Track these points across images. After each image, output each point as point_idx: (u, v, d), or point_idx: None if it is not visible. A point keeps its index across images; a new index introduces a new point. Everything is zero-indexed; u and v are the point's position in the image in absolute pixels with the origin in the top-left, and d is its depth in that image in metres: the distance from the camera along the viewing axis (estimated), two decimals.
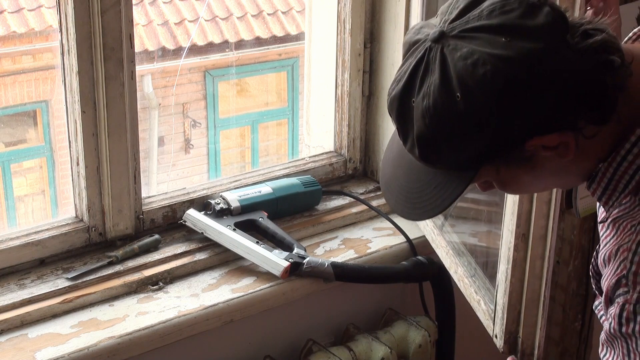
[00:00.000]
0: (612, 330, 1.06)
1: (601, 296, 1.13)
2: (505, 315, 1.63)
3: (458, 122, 1.02)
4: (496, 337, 1.67)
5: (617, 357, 1.07)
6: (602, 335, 1.10)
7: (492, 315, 1.67)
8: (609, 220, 1.12)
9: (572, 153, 1.05)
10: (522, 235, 1.57)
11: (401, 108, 1.07)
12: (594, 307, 1.24)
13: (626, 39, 1.21)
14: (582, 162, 1.10)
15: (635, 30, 1.21)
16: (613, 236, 1.11)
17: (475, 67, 0.99)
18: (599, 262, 1.15)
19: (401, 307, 1.97)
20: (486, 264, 1.81)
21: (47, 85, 3.39)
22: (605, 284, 1.09)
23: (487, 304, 1.71)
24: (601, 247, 1.14)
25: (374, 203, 2.04)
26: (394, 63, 2.02)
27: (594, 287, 1.23)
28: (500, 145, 1.04)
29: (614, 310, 1.06)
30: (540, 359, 1.65)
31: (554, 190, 1.56)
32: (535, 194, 1.55)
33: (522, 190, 1.35)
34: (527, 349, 1.64)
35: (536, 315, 1.62)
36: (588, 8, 1.42)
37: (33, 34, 3.18)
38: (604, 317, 1.13)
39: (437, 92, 1.02)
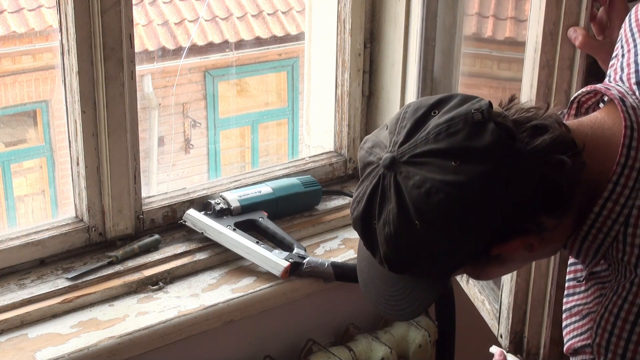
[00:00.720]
0: None
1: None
2: (510, 315, 1.62)
3: (421, 247, 1.05)
4: (501, 336, 1.67)
5: None
6: None
7: (497, 315, 1.67)
8: (585, 272, 1.15)
9: (537, 249, 1.08)
10: None
11: (365, 229, 1.09)
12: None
13: (572, 102, 1.21)
14: (550, 246, 1.13)
15: (582, 91, 1.20)
16: (585, 292, 1.16)
17: (429, 196, 1.01)
18: (563, 307, 1.19)
19: None
20: None
21: (47, 85, 3.39)
22: (569, 337, 1.16)
23: (491, 304, 1.70)
24: (569, 294, 1.19)
25: None
26: (394, 63, 2.02)
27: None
28: (466, 258, 1.07)
29: None
30: (546, 358, 1.64)
31: None
32: None
33: (495, 277, 1.40)
34: (533, 349, 1.64)
35: (542, 314, 1.62)
36: (598, 6, 1.42)
37: (33, 34, 3.18)
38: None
39: (396, 220, 1.04)
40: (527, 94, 1.49)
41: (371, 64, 2.07)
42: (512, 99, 1.09)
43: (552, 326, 1.63)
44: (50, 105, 3.40)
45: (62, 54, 1.66)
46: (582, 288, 1.16)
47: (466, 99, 1.07)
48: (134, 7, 1.69)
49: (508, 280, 1.61)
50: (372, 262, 1.14)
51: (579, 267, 1.19)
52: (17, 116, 3.45)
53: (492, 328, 1.71)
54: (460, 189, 1.01)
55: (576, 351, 1.14)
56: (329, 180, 2.11)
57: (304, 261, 1.78)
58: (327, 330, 1.92)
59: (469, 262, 1.09)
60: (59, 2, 1.62)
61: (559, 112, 1.13)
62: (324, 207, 2.01)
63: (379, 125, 2.09)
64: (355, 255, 1.87)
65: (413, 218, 1.03)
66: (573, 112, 1.21)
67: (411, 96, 1.98)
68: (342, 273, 1.80)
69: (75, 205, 1.77)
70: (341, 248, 1.91)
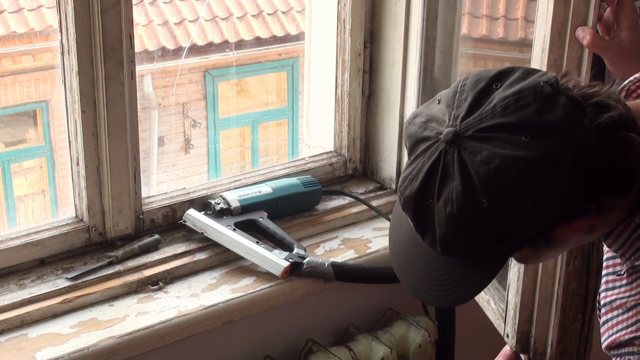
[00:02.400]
0: None
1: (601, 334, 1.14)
2: (517, 315, 1.62)
3: (484, 227, 1.00)
4: (507, 336, 1.66)
5: None
6: None
7: (503, 314, 1.67)
8: (626, 267, 1.11)
9: (596, 230, 1.04)
10: None
11: (418, 208, 1.03)
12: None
13: (621, 90, 1.19)
14: (603, 230, 1.09)
15: (631, 79, 1.18)
16: (627, 285, 1.11)
17: (499, 172, 0.96)
18: (602, 302, 1.15)
19: (401, 307, 1.97)
20: None
21: (47, 85, 3.39)
22: (611, 332, 1.10)
23: (497, 304, 1.70)
24: (608, 288, 1.14)
25: (374, 203, 2.04)
26: (394, 63, 2.02)
27: (598, 317, 1.23)
28: (526, 241, 1.03)
29: None
30: (553, 358, 1.64)
31: None
32: None
33: (541, 261, 1.34)
34: (540, 348, 1.64)
35: (549, 314, 1.62)
36: (605, 6, 1.41)
37: (33, 34, 3.18)
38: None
39: (461, 199, 0.99)
40: None
41: (371, 64, 2.07)
42: (566, 74, 1.05)
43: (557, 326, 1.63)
44: (50, 105, 3.40)
45: (62, 54, 1.66)
46: (624, 282, 1.12)
47: (529, 71, 1.02)
48: (134, 7, 1.69)
49: (515, 280, 1.61)
50: (414, 245, 1.09)
51: (618, 260, 1.15)
52: (17, 116, 3.45)
53: (498, 328, 1.71)
54: (533, 165, 0.96)
55: (621, 345, 1.08)
56: (329, 180, 2.11)
57: (304, 261, 1.78)
58: (327, 330, 1.92)
59: (528, 244, 1.04)
60: (59, 2, 1.62)
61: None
62: (324, 207, 2.01)
63: (379, 125, 2.10)
64: (356, 256, 1.87)
65: (480, 196, 0.97)
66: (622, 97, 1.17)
67: (411, 96, 1.98)
68: (342, 273, 1.80)
69: (75, 205, 1.77)
70: (341, 248, 1.91)
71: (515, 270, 1.61)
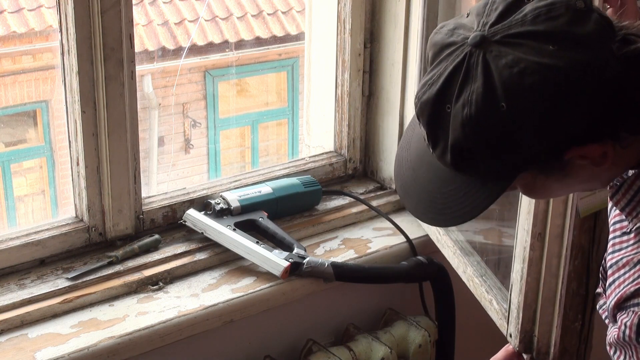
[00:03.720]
0: (626, 338, 1.06)
1: (604, 292, 1.13)
2: (520, 315, 1.62)
3: (501, 132, 0.98)
4: (510, 336, 1.66)
5: (631, 358, 1.07)
6: (611, 339, 1.10)
7: (506, 314, 1.67)
8: (635, 227, 1.10)
9: (608, 162, 1.03)
10: (538, 235, 1.57)
11: (434, 114, 1.02)
12: (597, 307, 1.23)
13: None
14: (613, 170, 1.08)
15: None
16: (634, 244, 1.10)
17: (522, 76, 0.95)
18: (606, 257, 1.14)
19: (401, 307, 1.97)
20: (494, 262, 1.81)
21: (47, 85, 3.40)
22: (618, 290, 1.09)
23: (499, 303, 1.70)
24: (615, 250, 1.13)
25: (374, 203, 2.04)
26: (394, 63, 2.02)
27: (601, 288, 1.22)
28: (540, 157, 1.01)
29: (628, 319, 1.05)
30: (556, 357, 1.64)
31: None
32: None
33: (546, 196, 1.30)
34: (543, 348, 1.64)
35: (552, 313, 1.62)
36: (607, 7, 1.41)
37: (33, 34, 3.18)
38: (609, 322, 1.13)
39: (480, 101, 0.97)
40: None
41: (371, 64, 2.07)
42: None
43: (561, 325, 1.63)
44: (50, 105, 3.40)
45: (62, 54, 1.66)
46: (631, 241, 1.11)
47: None
48: (134, 7, 1.69)
49: (518, 280, 1.61)
50: (422, 162, 1.08)
51: (625, 224, 1.14)
52: (17, 116, 3.45)
53: (500, 328, 1.70)
54: (557, 74, 0.95)
55: (627, 298, 1.06)
56: (329, 180, 2.11)
57: (304, 261, 1.78)
58: (327, 330, 1.92)
59: (539, 163, 1.02)
60: (59, 2, 1.62)
61: None
62: (324, 207, 2.01)
63: (379, 125, 2.10)
64: (356, 256, 1.87)
65: (500, 99, 0.96)
66: None
67: (411, 96, 1.98)
68: (342, 273, 1.80)
69: (75, 205, 1.77)
70: (341, 248, 1.91)
71: (518, 269, 1.61)
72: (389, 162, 2.10)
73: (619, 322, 1.07)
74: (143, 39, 3.47)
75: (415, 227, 1.98)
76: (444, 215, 1.09)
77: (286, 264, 1.74)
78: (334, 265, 1.79)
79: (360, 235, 1.96)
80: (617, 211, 1.16)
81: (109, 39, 1.64)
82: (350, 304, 1.94)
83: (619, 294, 1.08)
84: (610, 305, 1.11)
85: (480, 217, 1.93)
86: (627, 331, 1.05)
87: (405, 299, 1.99)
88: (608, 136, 1.01)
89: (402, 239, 1.95)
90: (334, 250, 1.90)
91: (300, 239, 1.90)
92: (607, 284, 1.13)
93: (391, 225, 1.98)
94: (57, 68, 1.70)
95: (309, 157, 2.13)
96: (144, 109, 3.53)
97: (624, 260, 1.09)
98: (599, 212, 2.13)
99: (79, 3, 1.60)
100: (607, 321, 1.16)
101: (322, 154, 2.14)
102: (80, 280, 1.67)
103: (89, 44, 1.63)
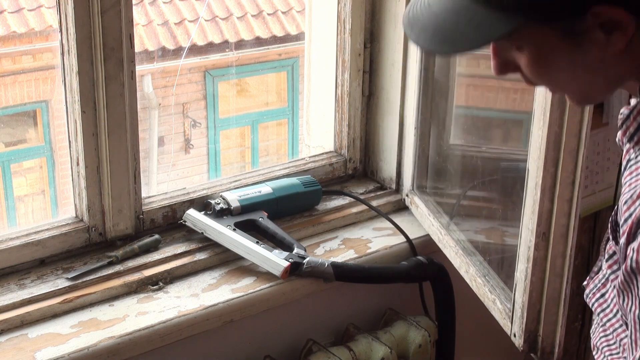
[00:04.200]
0: (633, 265, 1.01)
1: (617, 245, 1.09)
2: (525, 314, 1.62)
3: None
4: (514, 335, 1.66)
5: (636, 299, 1.03)
6: (618, 283, 1.06)
7: (510, 314, 1.67)
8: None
9: (625, 41, 0.99)
10: (542, 234, 1.57)
11: None
12: (585, 296, 1.21)
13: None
14: (621, 65, 1.04)
15: None
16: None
17: None
18: (620, 204, 1.11)
19: (401, 307, 1.97)
20: (497, 262, 1.81)
21: (47, 85, 3.40)
22: (630, 219, 1.04)
23: (503, 303, 1.70)
24: (627, 189, 1.09)
25: (374, 203, 2.04)
26: (394, 63, 2.02)
27: (611, 242, 1.19)
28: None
29: (637, 244, 1.01)
30: (560, 357, 1.64)
31: (576, 188, 1.54)
32: (557, 193, 1.53)
33: (546, 76, 1.20)
34: (547, 347, 1.64)
35: (556, 313, 1.62)
36: None
37: (33, 34, 3.19)
38: (618, 267, 1.09)
39: None
40: (542, 94, 1.49)
41: (371, 64, 2.07)
42: None
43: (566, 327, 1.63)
44: (50, 105, 3.41)
45: (62, 54, 1.66)
46: None
47: None
48: (134, 7, 1.69)
49: (522, 279, 1.61)
50: None
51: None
52: (17, 116, 3.46)
53: (504, 327, 1.70)
54: None
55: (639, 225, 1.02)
56: (329, 180, 2.11)
57: (304, 261, 1.78)
58: (327, 330, 1.92)
59: (560, 10, 0.97)
60: (59, 2, 1.62)
61: None
62: (324, 207, 2.01)
63: (379, 125, 2.10)
64: (356, 256, 1.87)
65: None
66: None
67: (411, 96, 1.98)
68: (342, 273, 1.80)
69: (75, 205, 1.77)
70: (341, 248, 1.91)
71: (522, 269, 1.61)
72: (389, 162, 2.10)
73: (629, 251, 1.03)
74: (143, 39, 3.47)
75: (415, 227, 1.98)
76: (446, 41, 1.04)
77: (286, 264, 1.74)
78: (334, 265, 1.79)
79: (360, 235, 1.97)
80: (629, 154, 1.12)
81: (109, 39, 1.64)
82: (350, 304, 1.94)
83: (630, 223, 1.04)
84: (622, 242, 1.06)
85: (483, 217, 1.94)
86: (635, 256, 1.01)
87: (405, 299, 1.99)
88: (636, 7, 0.97)
89: (402, 239, 1.95)
90: (334, 250, 1.90)
91: (300, 239, 1.90)
92: (622, 221, 1.07)
93: (391, 225, 1.98)
94: (57, 68, 1.70)
95: (309, 157, 2.13)
96: (144, 109, 3.54)
97: (637, 193, 1.05)
98: (599, 212, 2.13)
99: (79, 3, 1.60)
100: (595, 305, 1.14)
101: (322, 154, 2.14)
102: (80, 280, 1.67)
103: (89, 44, 1.63)
